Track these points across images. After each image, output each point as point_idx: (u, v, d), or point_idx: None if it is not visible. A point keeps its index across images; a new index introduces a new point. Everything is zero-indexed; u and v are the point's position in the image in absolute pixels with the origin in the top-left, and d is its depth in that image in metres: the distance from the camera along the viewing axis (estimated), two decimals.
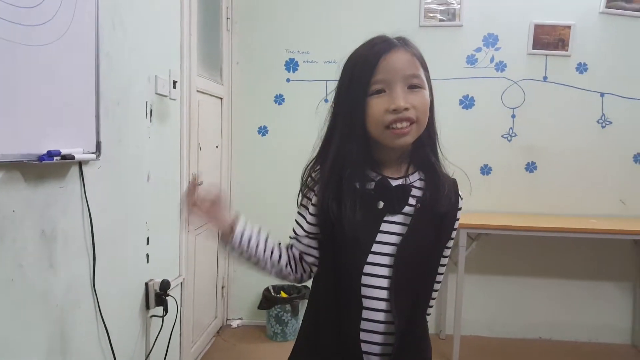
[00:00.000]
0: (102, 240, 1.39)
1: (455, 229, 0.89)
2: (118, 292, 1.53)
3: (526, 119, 2.60)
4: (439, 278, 0.91)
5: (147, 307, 1.73)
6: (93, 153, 1.28)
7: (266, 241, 0.88)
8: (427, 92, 0.80)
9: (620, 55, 2.53)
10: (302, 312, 1.01)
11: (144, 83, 1.65)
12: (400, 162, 0.85)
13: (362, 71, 0.78)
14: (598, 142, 2.58)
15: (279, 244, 0.90)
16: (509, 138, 2.63)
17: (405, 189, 0.82)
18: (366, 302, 0.80)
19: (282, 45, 2.65)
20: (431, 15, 2.58)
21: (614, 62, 2.53)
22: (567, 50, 2.54)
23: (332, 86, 0.87)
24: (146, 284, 1.73)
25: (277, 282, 2.66)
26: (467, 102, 2.62)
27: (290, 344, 0.90)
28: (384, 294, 0.80)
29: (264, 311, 2.61)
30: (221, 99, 2.57)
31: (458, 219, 0.89)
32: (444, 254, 0.90)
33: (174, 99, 1.89)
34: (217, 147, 2.54)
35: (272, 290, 2.61)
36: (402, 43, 0.80)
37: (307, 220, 0.85)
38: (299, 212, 0.89)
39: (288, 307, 2.49)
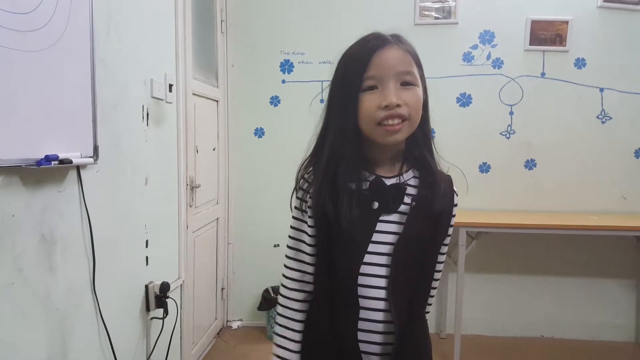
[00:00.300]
0: (102, 243, 1.39)
1: (451, 226, 0.89)
2: (118, 294, 1.54)
3: (524, 116, 2.60)
4: (437, 276, 0.91)
5: (147, 309, 1.74)
6: (91, 157, 1.29)
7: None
8: (420, 89, 0.80)
9: (619, 50, 2.53)
10: None
11: (140, 87, 1.66)
12: (394, 160, 0.84)
13: (355, 67, 0.78)
14: (598, 137, 2.58)
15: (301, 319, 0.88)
16: (508, 135, 2.63)
17: (400, 188, 0.82)
18: (364, 302, 0.80)
19: (276, 46, 2.65)
20: (426, 13, 2.58)
21: (612, 56, 2.53)
22: (564, 46, 2.53)
23: (328, 86, 0.87)
24: (146, 287, 1.73)
25: (277, 283, 2.66)
26: (465, 100, 2.62)
27: None
28: (382, 293, 0.80)
29: (264, 312, 2.61)
30: (217, 101, 2.58)
31: (454, 216, 0.88)
32: (441, 251, 0.89)
33: (170, 102, 1.89)
34: (213, 149, 2.54)
35: (271, 292, 2.62)
36: (396, 40, 0.80)
37: (308, 242, 0.84)
38: (294, 240, 0.87)
39: None
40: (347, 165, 0.80)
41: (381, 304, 0.80)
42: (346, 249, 0.81)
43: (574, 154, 2.60)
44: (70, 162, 1.16)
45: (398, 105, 0.76)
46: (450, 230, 0.90)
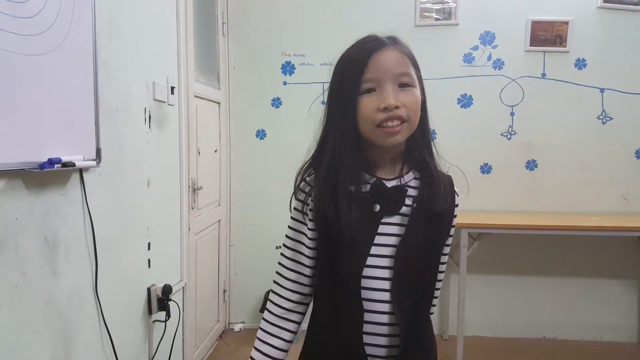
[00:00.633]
0: (104, 246, 1.39)
1: (453, 226, 0.89)
2: (120, 297, 1.54)
3: (525, 117, 2.60)
4: (439, 277, 0.91)
5: (150, 312, 1.74)
6: (93, 160, 1.29)
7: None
8: (418, 90, 0.80)
9: (619, 50, 2.53)
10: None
11: (142, 89, 1.66)
12: (394, 162, 0.84)
13: (353, 70, 0.78)
14: (599, 138, 2.57)
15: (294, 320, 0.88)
16: (509, 136, 2.63)
17: (400, 190, 0.82)
18: (368, 305, 0.80)
19: (278, 48, 2.66)
20: (427, 14, 2.58)
21: (613, 57, 2.53)
22: (565, 47, 2.54)
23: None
24: (148, 289, 1.74)
25: None
26: (466, 101, 2.62)
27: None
28: (386, 296, 0.79)
29: None
30: (219, 103, 2.58)
31: (455, 216, 0.88)
32: (444, 252, 0.89)
33: (172, 105, 1.90)
34: (215, 151, 2.55)
35: None
36: (392, 42, 0.80)
37: (307, 245, 0.84)
38: (292, 240, 0.87)
39: None
40: (348, 167, 0.80)
41: (385, 307, 0.80)
42: (348, 252, 0.80)
43: (574, 155, 2.60)
44: (73, 165, 1.17)
45: (397, 107, 0.76)
46: (452, 231, 0.90)
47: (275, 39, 2.66)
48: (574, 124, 2.58)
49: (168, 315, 1.77)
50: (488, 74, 2.59)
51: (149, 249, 1.73)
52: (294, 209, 0.87)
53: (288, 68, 2.68)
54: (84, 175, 1.30)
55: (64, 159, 1.13)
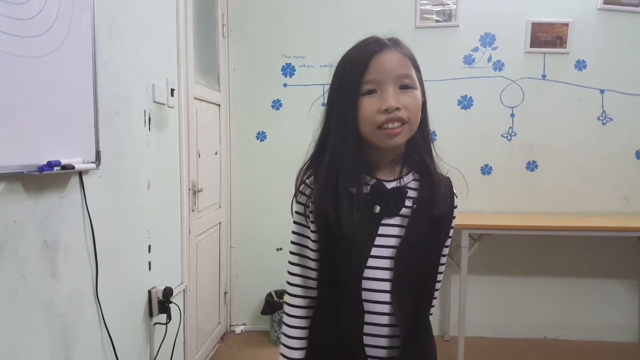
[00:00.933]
0: (104, 249, 1.39)
1: (452, 228, 0.89)
2: (121, 300, 1.54)
3: (526, 118, 2.60)
4: (439, 278, 0.91)
5: (151, 314, 1.74)
6: (93, 162, 1.29)
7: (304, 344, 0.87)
8: (418, 92, 0.80)
9: (619, 51, 2.53)
10: None
11: (142, 92, 1.66)
12: (394, 163, 0.84)
13: (354, 71, 0.78)
14: (599, 139, 2.57)
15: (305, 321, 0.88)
16: (509, 137, 2.63)
17: (400, 191, 0.82)
18: (368, 306, 0.80)
19: (278, 50, 2.66)
20: (427, 16, 2.58)
21: (613, 58, 2.53)
22: (565, 48, 2.54)
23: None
24: (149, 292, 1.73)
25: (279, 287, 2.66)
26: (466, 102, 2.62)
27: None
28: (386, 297, 0.79)
29: (267, 316, 2.60)
30: (219, 105, 2.58)
31: (454, 218, 0.88)
32: (443, 253, 0.89)
33: (172, 107, 1.90)
34: (216, 153, 2.55)
35: (274, 295, 2.61)
36: (394, 43, 0.80)
37: (312, 247, 0.84)
38: (297, 245, 0.86)
39: None
40: (348, 169, 0.80)
41: (386, 308, 0.80)
42: (349, 254, 0.81)
43: (575, 156, 2.59)
44: (73, 167, 1.17)
45: (397, 109, 0.76)
46: (451, 232, 0.90)
47: (275, 41, 2.66)
48: (574, 125, 2.58)
49: (169, 317, 1.77)
50: (488, 76, 2.59)
51: (149, 251, 1.73)
52: (296, 212, 0.87)
53: (288, 70, 2.68)
54: (84, 177, 1.29)
55: (64, 161, 1.13)
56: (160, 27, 1.83)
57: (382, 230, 0.81)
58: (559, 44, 2.54)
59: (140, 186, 1.66)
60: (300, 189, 0.86)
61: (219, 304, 2.65)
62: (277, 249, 2.72)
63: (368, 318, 0.80)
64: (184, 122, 2.02)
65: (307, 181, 0.85)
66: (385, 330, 0.80)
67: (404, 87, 0.78)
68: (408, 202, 0.82)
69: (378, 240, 0.80)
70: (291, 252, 0.88)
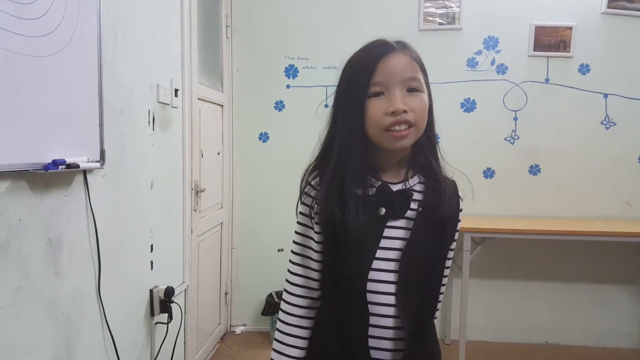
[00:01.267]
0: (107, 247, 1.39)
1: (457, 231, 0.89)
2: (123, 299, 1.54)
3: (529, 122, 2.59)
4: (443, 281, 0.91)
5: (152, 314, 1.74)
6: (97, 161, 1.30)
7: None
8: (425, 95, 0.80)
9: (623, 56, 2.53)
10: None
11: (146, 92, 1.67)
12: (400, 166, 0.85)
13: (361, 74, 0.78)
14: (602, 143, 2.57)
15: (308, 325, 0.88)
16: (512, 141, 2.63)
17: (406, 194, 0.82)
18: (373, 309, 0.80)
19: (281, 51, 2.67)
20: (430, 19, 2.59)
21: (616, 62, 2.53)
22: (569, 52, 2.53)
23: (332, 91, 0.87)
24: (151, 291, 1.73)
25: (280, 288, 2.65)
26: (469, 106, 2.62)
27: None
28: (391, 299, 0.79)
29: (268, 317, 2.60)
30: (222, 106, 2.59)
31: (459, 221, 0.89)
32: (448, 256, 0.89)
33: (176, 107, 1.90)
34: (218, 154, 2.55)
35: (275, 296, 2.61)
36: (401, 46, 0.80)
37: (315, 249, 0.84)
38: (299, 246, 0.86)
39: None
40: (354, 171, 0.80)
41: (390, 310, 0.80)
42: (354, 256, 0.81)
43: (578, 160, 2.59)
44: (78, 166, 1.17)
45: (404, 111, 0.76)
46: (456, 235, 0.90)
47: (278, 42, 2.67)
48: (578, 129, 2.58)
49: (170, 317, 1.77)
50: (491, 79, 2.59)
51: (151, 250, 1.73)
52: (300, 213, 0.87)
53: (291, 71, 2.68)
54: (88, 176, 1.30)
55: (68, 160, 1.14)
56: (164, 28, 1.83)
57: (387, 232, 0.81)
58: (562, 48, 2.54)
59: (144, 185, 1.67)
60: (305, 190, 0.86)
61: (220, 304, 2.65)
62: (278, 250, 2.72)
63: (373, 320, 0.80)
64: (187, 123, 2.03)
65: (312, 182, 0.85)
66: (390, 333, 0.80)
67: (412, 90, 0.78)
68: (414, 205, 0.82)
69: (383, 243, 0.80)
70: (293, 252, 0.88)
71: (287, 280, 0.88)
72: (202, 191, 2.23)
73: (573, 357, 2.53)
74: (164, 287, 1.77)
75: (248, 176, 2.74)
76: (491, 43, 2.58)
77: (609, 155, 2.57)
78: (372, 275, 0.80)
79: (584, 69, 2.55)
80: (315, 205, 0.83)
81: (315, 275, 0.85)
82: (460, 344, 2.33)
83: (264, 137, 2.73)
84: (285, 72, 2.68)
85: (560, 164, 2.60)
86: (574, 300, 2.64)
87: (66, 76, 1.17)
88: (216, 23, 2.51)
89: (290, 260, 0.88)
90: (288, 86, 2.69)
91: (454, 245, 0.90)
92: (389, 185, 0.82)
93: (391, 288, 0.79)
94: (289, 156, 2.65)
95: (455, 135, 2.53)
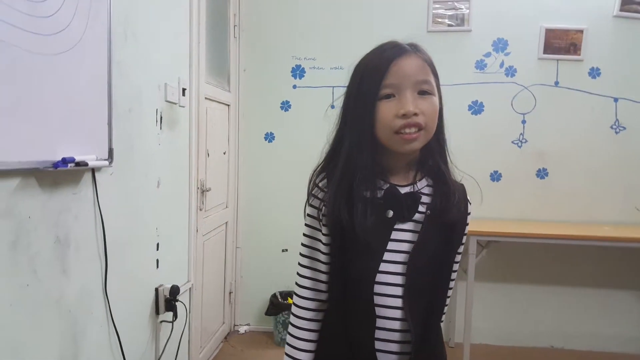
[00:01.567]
0: (114, 246, 1.40)
1: (465, 234, 0.89)
2: (129, 297, 1.54)
3: (537, 125, 2.57)
4: (450, 284, 0.90)
5: (157, 312, 1.74)
6: (106, 160, 1.30)
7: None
8: (436, 98, 0.80)
9: (634, 60, 2.50)
10: None
11: (154, 91, 1.67)
12: (408, 168, 0.84)
13: (372, 75, 0.78)
14: (611, 148, 2.55)
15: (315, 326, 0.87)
16: (520, 144, 2.61)
17: (414, 197, 0.81)
18: (380, 311, 0.80)
19: (288, 51, 2.66)
20: (439, 20, 2.57)
21: (628, 66, 2.50)
22: (579, 55, 2.51)
23: (339, 92, 0.87)
24: (156, 290, 1.74)
25: (284, 288, 2.66)
26: (477, 108, 2.61)
27: None
28: (398, 302, 0.79)
29: (272, 317, 2.60)
30: (228, 105, 2.59)
31: (467, 224, 0.88)
32: (455, 260, 0.89)
33: (183, 106, 1.91)
34: (224, 153, 2.55)
35: (279, 296, 2.61)
36: (413, 48, 0.80)
37: (323, 251, 0.83)
38: (307, 248, 0.86)
39: None
40: (363, 173, 0.80)
41: (397, 313, 0.80)
42: (362, 258, 0.80)
43: (586, 164, 2.57)
44: (86, 164, 1.17)
45: (415, 114, 0.76)
46: (464, 239, 0.90)
47: (286, 43, 2.67)
48: (587, 133, 2.55)
49: (175, 315, 1.77)
50: (500, 81, 2.57)
51: (157, 249, 1.74)
52: (308, 215, 0.87)
53: (298, 72, 2.68)
54: (96, 175, 1.30)
55: (78, 158, 1.14)
56: (173, 27, 1.84)
57: (395, 235, 0.80)
58: (573, 51, 2.52)
59: (151, 184, 1.67)
60: (313, 192, 0.85)
61: (224, 304, 2.66)
62: (283, 250, 2.71)
63: (380, 323, 0.80)
64: (194, 122, 2.03)
65: (320, 184, 0.85)
66: (396, 336, 0.80)
67: (423, 93, 0.78)
68: (422, 208, 0.81)
69: (391, 245, 0.80)
70: (302, 255, 0.88)
71: (296, 283, 0.88)
72: (207, 190, 2.23)
73: None
74: (169, 285, 1.77)
75: (253, 176, 2.74)
76: (500, 45, 2.56)
77: (618, 161, 2.55)
78: (380, 277, 0.79)
79: (594, 72, 2.53)
80: (323, 208, 0.82)
81: (323, 277, 0.85)
82: (464, 347, 2.32)
83: (269, 137, 2.73)
84: (292, 72, 2.68)
85: (568, 168, 2.58)
86: (579, 304, 2.62)
87: (76, 74, 1.17)
88: (224, 23, 2.52)
89: (299, 263, 0.88)
90: (295, 86, 2.69)
91: (461, 249, 0.90)
92: (398, 187, 0.82)
93: (398, 291, 0.79)
94: (294, 156, 2.65)
95: (463, 137, 2.51)
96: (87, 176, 1.27)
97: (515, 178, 2.61)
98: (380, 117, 0.77)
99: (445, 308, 0.92)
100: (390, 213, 0.80)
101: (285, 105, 2.70)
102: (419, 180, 0.84)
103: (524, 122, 2.59)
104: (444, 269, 0.86)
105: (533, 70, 2.55)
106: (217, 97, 2.39)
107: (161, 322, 1.77)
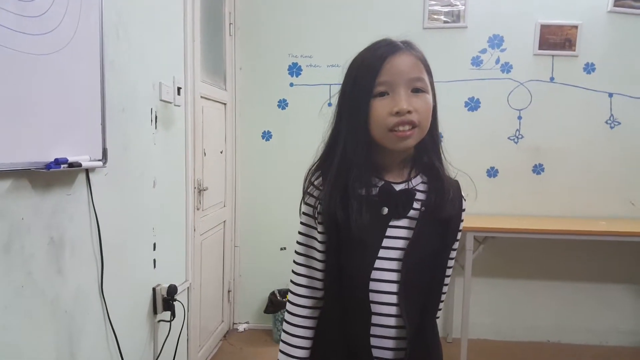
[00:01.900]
0: (110, 246, 1.40)
1: (460, 231, 0.89)
2: (126, 297, 1.54)
3: (533, 121, 2.58)
4: (446, 281, 0.91)
5: (155, 312, 1.74)
6: (99, 160, 1.30)
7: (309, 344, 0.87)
8: (430, 96, 0.80)
9: (628, 55, 2.50)
10: None
11: (149, 90, 1.67)
12: (403, 166, 0.85)
13: (366, 73, 0.78)
14: (606, 143, 2.55)
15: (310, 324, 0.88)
16: (516, 140, 2.61)
17: (409, 193, 0.82)
18: (376, 308, 0.80)
19: (285, 49, 2.66)
20: (435, 17, 2.57)
21: (622, 61, 2.51)
22: (574, 50, 2.51)
23: (336, 90, 0.86)
24: (153, 289, 1.74)
25: (283, 286, 2.66)
26: (473, 104, 2.61)
27: None
28: (393, 298, 0.80)
29: (270, 315, 2.61)
30: (225, 104, 2.58)
31: (462, 220, 0.88)
32: (450, 256, 0.89)
33: (179, 105, 1.90)
34: (221, 152, 2.55)
35: (278, 295, 2.61)
36: (407, 46, 0.80)
37: (319, 248, 0.84)
38: (303, 246, 0.86)
39: None
40: (358, 170, 0.80)
41: (393, 309, 0.80)
42: (357, 255, 0.81)
43: (582, 159, 2.58)
44: (80, 165, 1.17)
45: (409, 112, 0.76)
46: (459, 235, 0.90)
47: (282, 40, 2.66)
48: (582, 129, 2.56)
49: (173, 315, 1.77)
50: (496, 77, 2.58)
51: (154, 249, 1.73)
52: (304, 213, 0.87)
53: (295, 69, 2.67)
54: (90, 175, 1.30)
55: (71, 159, 1.14)
56: (167, 25, 1.83)
57: (390, 232, 0.81)
58: (568, 47, 2.52)
59: (146, 184, 1.67)
60: (309, 190, 0.86)
61: (223, 302, 2.66)
62: (281, 249, 2.72)
63: (375, 319, 0.80)
64: (190, 121, 2.03)
65: (315, 182, 0.85)
66: (392, 332, 0.80)
67: (416, 91, 0.78)
68: (416, 205, 0.82)
69: (386, 242, 0.81)
70: (297, 253, 0.88)
71: (291, 280, 0.89)
72: (204, 190, 2.23)
73: (574, 355, 2.53)
74: (167, 285, 1.77)
75: (251, 175, 2.74)
76: (496, 41, 2.56)
77: (613, 155, 2.55)
78: (375, 274, 0.80)
79: (589, 68, 2.53)
80: (319, 205, 0.83)
81: (319, 275, 0.85)
82: (462, 342, 2.33)
83: (267, 135, 2.73)
84: (288, 70, 2.67)
85: (564, 164, 2.58)
86: (576, 298, 2.63)
87: (68, 74, 1.16)
88: (219, 21, 2.51)
89: (294, 261, 0.88)
90: (291, 84, 2.68)
91: (456, 245, 0.90)
92: (392, 184, 0.82)
93: (394, 287, 0.80)
94: (292, 155, 2.65)
95: (459, 134, 2.52)
96: (81, 177, 1.27)
97: (511, 174, 2.62)
98: (374, 114, 0.78)
99: (441, 304, 0.93)
100: (385, 210, 0.81)
101: (282, 103, 2.70)
102: (414, 177, 0.84)
103: (519, 118, 2.59)
104: (439, 265, 0.86)
105: (528, 66, 2.55)
106: (213, 95, 2.38)
107: (159, 321, 1.77)
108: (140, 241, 1.65)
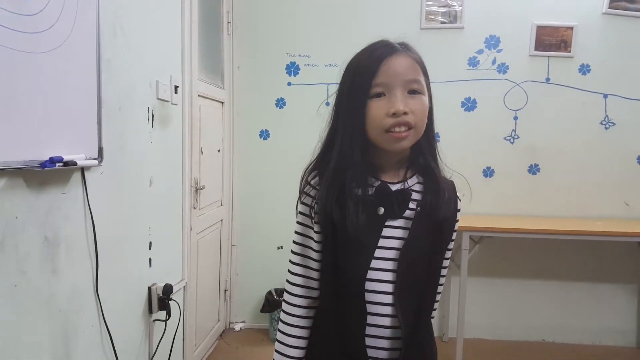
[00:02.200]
0: (105, 245, 1.39)
1: (455, 231, 0.90)
2: (121, 296, 1.54)
3: (529, 121, 2.59)
4: (441, 281, 0.91)
5: (150, 311, 1.74)
6: (95, 159, 1.29)
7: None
8: (426, 98, 0.80)
9: (623, 56, 2.52)
10: None
11: (146, 88, 1.66)
12: (399, 166, 0.85)
13: (363, 74, 0.79)
14: (601, 143, 2.57)
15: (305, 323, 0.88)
16: (512, 140, 2.62)
17: (405, 194, 0.82)
18: (371, 308, 0.80)
19: (283, 48, 2.66)
20: (432, 17, 2.58)
21: (617, 63, 2.52)
22: (569, 52, 2.53)
23: (333, 89, 0.87)
24: (149, 288, 1.73)
25: (280, 285, 2.66)
26: (469, 105, 2.62)
27: None
28: (388, 298, 0.80)
29: (267, 314, 2.61)
30: (222, 103, 2.58)
31: (457, 221, 0.89)
32: (445, 256, 0.90)
33: (176, 104, 1.90)
34: (218, 151, 2.55)
35: (274, 294, 2.61)
36: (404, 48, 0.81)
37: (315, 248, 0.84)
38: (299, 246, 0.86)
39: None
40: (354, 171, 0.81)
41: (388, 309, 0.80)
42: (353, 255, 0.81)
43: (577, 160, 2.59)
44: (75, 164, 1.16)
45: (405, 113, 0.77)
46: (454, 236, 0.90)
47: (280, 40, 2.66)
48: (577, 129, 2.58)
49: (168, 314, 1.77)
50: (492, 78, 2.59)
51: (150, 248, 1.73)
52: (300, 213, 0.87)
53: (292, 69, 2.67)
54: (86, 174, 1.29)
55: (66, 157, 1.13)
56: (165, 24, 1.82)
57: (385, 231, 0.81)
58: (563, 48, 2.53)
59: (143, 183, 1.66)
60: (305, 190, 0.86)
61: (219, 302, 2.66)
62: (278, 248, 2.72)
63: (370, 319, 0.80)
64: (187, 120, 2.02)
65: (312, 182, 0.85)
66: (387, 332, 0.81)
67: (413, 92, 0.78)
68: (412, 205, 0.82)
69: (382, 242, 0.81)
70: (293, 252, 0.88)
71: (287, 280, 0.89)
72: (201, 188, 2.23)
73: (570, 355, 2.54)
74: (163, 284, 1.76)
75: (248, 174, 2.74)
76: (492, 42, 2.57)
77: (608, 156, 2.57)
78: (371, 274, 0.80)
79: (584, 69, 2.54)
80: (315, 205, 0.83)
81: (315, 275, 0.86)
82: (458, 341, 2.34)
83: (264, 134, 2.73)
84: (286, 69, 2.67)
85: (559, 164, 2.60)
86: (571, 298, 2.65)
87: (64, 73, 1.16)
88: (217, 19, 2.50)
89: (290, 261, 0.88)
90: (289, 83, 2.68)
91: (451, 245, 0.91)
92: (388, 185, 0.83)
93: (389, 287, 0.80)
94: (289, 154, 2.65)
95: (456, 134, 2.53)
96: (77, 176, 1.26)
97: (507, 174, 2.63)
98: (370, 115, 0.78)
99: (436, 304, 0.93)
100: (382, 210, 0.81)
101: (280, 103, 2.70)
102: (410, 178, 0.85)
103: (515, 118, 2.61)
104: (434, 265, 0.86)
105: (524, 67, 2.56)
106: (211, 94, 2.38)
107: (154, 320, 1.77)
108: (136, 240, 1.64)
